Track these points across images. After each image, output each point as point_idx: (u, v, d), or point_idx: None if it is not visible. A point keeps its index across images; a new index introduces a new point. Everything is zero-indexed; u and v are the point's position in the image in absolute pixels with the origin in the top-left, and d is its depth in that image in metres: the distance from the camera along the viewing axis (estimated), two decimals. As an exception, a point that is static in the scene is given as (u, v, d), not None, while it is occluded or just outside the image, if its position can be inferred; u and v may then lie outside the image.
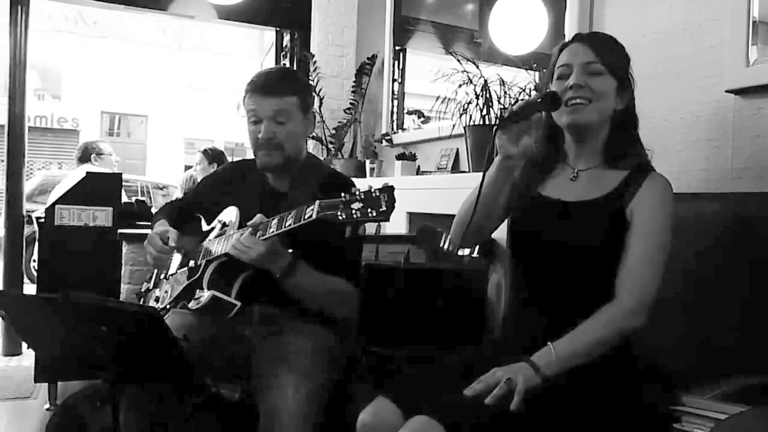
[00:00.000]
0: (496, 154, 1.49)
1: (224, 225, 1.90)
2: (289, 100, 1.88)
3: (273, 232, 1.66)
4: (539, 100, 1.49)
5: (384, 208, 1.47)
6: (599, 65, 1.49)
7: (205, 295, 1.75)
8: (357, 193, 1.49)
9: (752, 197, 1.79)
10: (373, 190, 1.49)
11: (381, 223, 1.53)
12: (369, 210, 1.47)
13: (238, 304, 1.74)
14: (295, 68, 4.75)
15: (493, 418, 1.26)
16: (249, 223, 1.74)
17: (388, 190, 1.48)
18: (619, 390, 1.40)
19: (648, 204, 1.44)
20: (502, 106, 2.82)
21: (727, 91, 1.91)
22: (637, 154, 1.54)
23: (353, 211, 1.48)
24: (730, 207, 1.78)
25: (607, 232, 1.44)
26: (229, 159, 5.53)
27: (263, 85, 1.89)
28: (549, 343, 1.35)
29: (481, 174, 1.49)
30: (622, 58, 1.55)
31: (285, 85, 1.90)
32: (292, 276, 1.74)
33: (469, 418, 1.28)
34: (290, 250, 1.74)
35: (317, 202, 1.53)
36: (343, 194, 1.50)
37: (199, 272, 1.82)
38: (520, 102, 1.57)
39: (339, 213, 1.48)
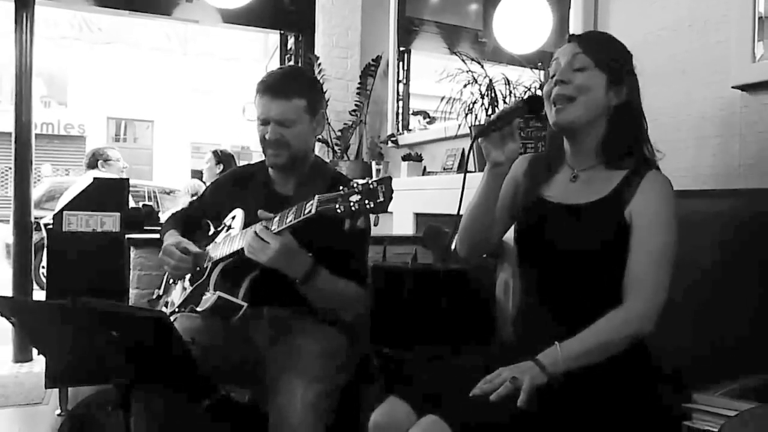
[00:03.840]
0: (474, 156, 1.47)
1: (229, 227, 1.90)
2: (298, 103, 1.86)
3: (275, 229, 1.65)
4: (519, 104, 1.48)
5: (381, 199, 1.47)
6: (584, 57, 1.46)
7: (211, 297, 1.75)
8: (355, 186, 1.50)
9: (761, 193, 1.79)
10: (370, 182, 1.49)
11: (380, 217, 1.53)
12: (367, 202, 1.47)
13: (245, 305, 1.74)
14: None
15: (503, 419, 1.26)
16: (260, 215, 1.71)
17: (386, 181, 1.48)
18: (633, 389, 1.39)
19: (647, 205, 1.41)
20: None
21: (733, 87, 1.91)
22: (640, 152, 1.48)
23: (351, 204, 1.48)
24: (738, 203, 1.77)
25: (607, 235, 1.42)
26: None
27: (272, 87, 1.87)
28: (556, 342, 1.34)
29: (463, 176, 1.46)
30: (614, 51, 1.50)
31: (294, 87, 1.87)
32: (312, 281, 1.71)
33: (478, 418, 1.27)
34: (310, 254, 1.72)
35: (316, 196, 1.54)
36: (341, 187, 1.51)
37: (206, 275, 1.83)
38: (498, 110, 1.55)
39: (337, 206, 1.49)
